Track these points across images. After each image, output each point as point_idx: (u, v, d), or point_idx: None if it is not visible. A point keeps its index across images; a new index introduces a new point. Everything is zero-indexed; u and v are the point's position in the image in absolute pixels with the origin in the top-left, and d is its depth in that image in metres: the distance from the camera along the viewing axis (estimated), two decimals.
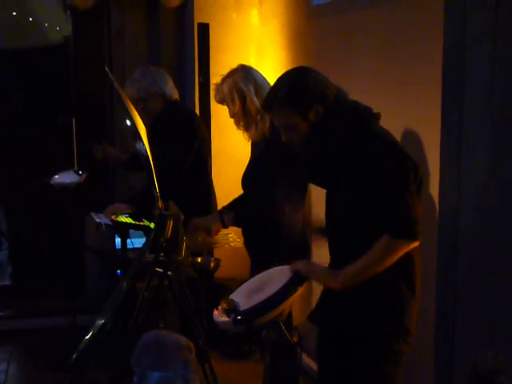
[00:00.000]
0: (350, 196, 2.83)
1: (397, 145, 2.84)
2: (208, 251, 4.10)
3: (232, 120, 4.03)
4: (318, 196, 3.56)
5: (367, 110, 2.91)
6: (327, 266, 3.01)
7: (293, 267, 2.96)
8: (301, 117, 2.86)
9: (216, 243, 4.13)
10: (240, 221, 3.99)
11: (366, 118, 2.87)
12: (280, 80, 2.97)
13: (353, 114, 2.86)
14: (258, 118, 3.86)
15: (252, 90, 3.89)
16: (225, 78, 3.99)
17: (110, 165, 5.45)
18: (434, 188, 3.18)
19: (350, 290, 2.87)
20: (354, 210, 2.83)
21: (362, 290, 2.86)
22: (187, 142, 4.52)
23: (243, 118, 3.93)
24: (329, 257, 3.05)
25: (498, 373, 2.09)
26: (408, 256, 2.83)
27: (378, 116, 2.91)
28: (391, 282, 2.85)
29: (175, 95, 4.68)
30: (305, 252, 3.94)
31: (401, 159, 2.77)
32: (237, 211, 3.96)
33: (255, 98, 3.86)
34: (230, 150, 5.01)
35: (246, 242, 4.13)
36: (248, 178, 4.06)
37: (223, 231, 4.05)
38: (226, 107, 4.04)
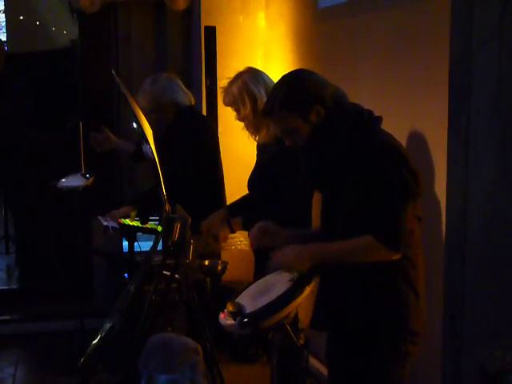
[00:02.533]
0: (349, 201, 2.83)
1: (400, 154, 2.81)
2: (215, 254, 4.09)
3: (239, 123, 4.02)
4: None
5: (370, 114, 2.90)
6: None
7: (274, 264, 2.98)
8: (302, 119, 2.87)
9: (223, 246, 4.12)
10: (248, 226, 3.98)
11: (370, 123, 2.87)
12: (277, 85, 2.99)
13: (356, 118, 2.85)
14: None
15: (262, 91, 3.87)
16: (233, 81, 3.97)
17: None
18: (440, 189, 3.17)
19: (348, 293, 2.88)
20: (353, 215, 2.82)
21: (361, 293, 2.86)
22: (199, 145, 4.51)
23: (254, 120, 3.91)
24: None
25: (506, 372, 2.09)
26: (408, 259, 2.82)
27: (380, 120, 2.90)
28: (390, 283, 2.84)
29: (190, 101, 4.65)
30: None
31: (402, 171, 2.75)
32: (245, 216, 3.96)
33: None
34: (237, 152, 5.02)
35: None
36: (256, 181, 4.04)
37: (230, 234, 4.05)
38: (234, 112, 4.02)
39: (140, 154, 4.85)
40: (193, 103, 4.71)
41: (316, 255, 2.89)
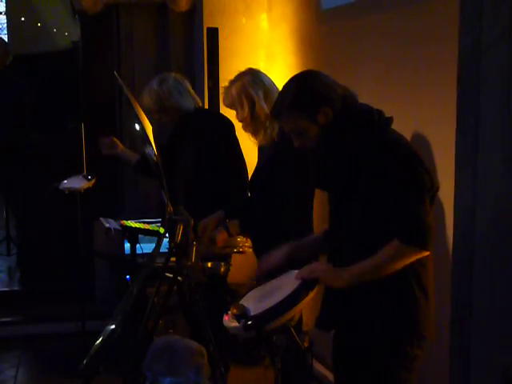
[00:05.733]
0: (363, 205, 2.81)
1: (413, 154, 2.80)
2: (219, 256, 4.08)
3: (241, 124, 4.01)
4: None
5: (381, 114, 2.88)
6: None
7: (298, 276, 2.94)
8: (310, 121, 2.84)
9: (225, 248, 4.11)
10: (246, 228, 3.97)
11: (381, 123, 2.85)
12: (286, 86, 2.96)
13: (367, 118, 2.84)
14: (267, 123, 3.84)
15: (261, 95, 3.86)
16: (233, 82, 3.96)
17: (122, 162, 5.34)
18: (448, 191, 3.15)
19: (358, 294, 2.86)
20: (367, 218, 2.81)
21: (370, 294, 2.84)
22: (204, 146, 4.50)
23: (252, 123, 3.90)
24: None
25: None
26: (419, 261, 2.80)
27: (391, 120, 2.89)
28: (403, 285, 2.82)
29: (196, 104, 4.59)
30: (316, 257, 3.91)
31: (417, 170, 2.75)
32: (242, 219, 3.94)
33: (264, 104, 3.84)
34: None
35: (255, 247, 4.11)
36: (256, 184, 4.04)
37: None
38: (234, 111, 4.02)
39: (141, 166, 4.79)
40: (200, 106, 4.68)
41: (352, 276, 2.82)
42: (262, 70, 4.13)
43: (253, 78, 3.91)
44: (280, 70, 5.29)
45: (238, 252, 4.20)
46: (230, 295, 4.18)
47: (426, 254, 2.76)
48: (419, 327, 2.84)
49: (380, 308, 2.84)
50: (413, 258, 2.76)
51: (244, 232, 4.07)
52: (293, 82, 2.95)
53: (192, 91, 4.60)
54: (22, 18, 9.23)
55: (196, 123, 4.52)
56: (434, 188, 2.82)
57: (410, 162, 2.76)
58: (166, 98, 4.46)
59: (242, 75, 3.96)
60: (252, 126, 3.91)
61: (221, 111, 5.21)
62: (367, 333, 2.87)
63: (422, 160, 2.79)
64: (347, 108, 2.85)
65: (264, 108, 3.82)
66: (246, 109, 3.86)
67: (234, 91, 3.92)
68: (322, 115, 2.83)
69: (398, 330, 2.85)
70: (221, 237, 3.92)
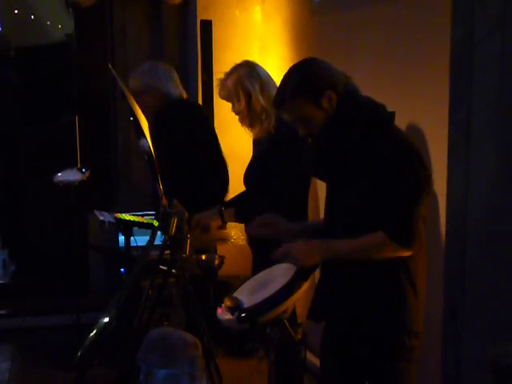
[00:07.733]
0: (357, 195, 2.81)
1: (416, 153, 2.79)
2: (212, 248, 4.08)
3: (235, 117, 4.01)
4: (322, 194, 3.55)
5: (384, 108, 2.87)
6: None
7: (282, 255, 2.96)
8: (314, 105, 2.83)
9: (219, 240, 4.11)
10: (241, 216, 3.97)
11: (385, 117, 2.85)
12: (287, 75, 2.95)
13: (372, 111, 2.83)
14: (263, 116, 3.85)
15: (257, 87, 3.86)
16: (229, 74, 3.96)
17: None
18: (441, 184, 3.16)
19: (349, 287, 2.87)
20: (359, 210, 2.81)
21: (361, 288, 2.85)
22: (184, 134, 4.50)
23: (248, 116, 3.90)
24: None
25: None
26: (410, 255, 2.80)
27: (394, 115, 2.88)
28: (392, 279, 2.82)
29: (180, 95, 4.64)
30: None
31: (419, 170, 2.74)
32: (238, 207, 3.94)
33: (260, 96, 3.84)
34: (234, 146, 5.00)
35: (249, 239, 4.11)
36: (250, 176, 4.04)
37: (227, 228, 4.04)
38: (229, 104, 4.02)
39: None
40: (184, 97, 4.69)
41: (327, 252, 2.87)
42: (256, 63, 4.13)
43: (249, 71, 3.91)
44: (274, 62, 5.29)
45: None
46: (221, 288, 4.19)
47: (406, 253, 2.75)
48: (408, 322, 2.84)
49: (369, 302, 2.85)
50: (390, 255, 2.75)
51: (240, 221, 4.06)
52: (293, 70, 2.94)
53: (178, 82, 4.63)
54: (15, 11, 9.19)
55: (174, 112, 4.53)
56: (430, 189, 2.80)
57: (412, 160, 2.74)
58: (153, 80, 4.51)
59: (237, 67, 3.95)
60: (248, 119, 3.91)
61: (215, 104, 5.22)
62: (357, 326, 2.88)
63: (423, 160, 2.77)
64: (351, 96, 2.85)
65: (260, 100, 3.83)
66: (243, 101, 3.86)
67: (230, 84, 3.91)
68: (325, 99, 2.82)
69: (387, 325, 2.84)
70: (215, 223, 3.92)
